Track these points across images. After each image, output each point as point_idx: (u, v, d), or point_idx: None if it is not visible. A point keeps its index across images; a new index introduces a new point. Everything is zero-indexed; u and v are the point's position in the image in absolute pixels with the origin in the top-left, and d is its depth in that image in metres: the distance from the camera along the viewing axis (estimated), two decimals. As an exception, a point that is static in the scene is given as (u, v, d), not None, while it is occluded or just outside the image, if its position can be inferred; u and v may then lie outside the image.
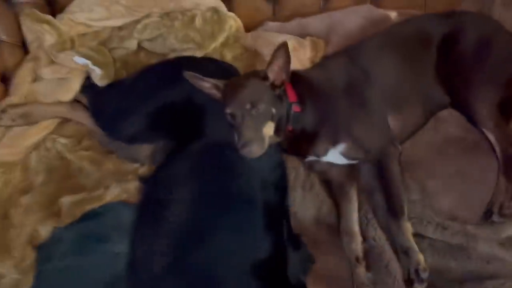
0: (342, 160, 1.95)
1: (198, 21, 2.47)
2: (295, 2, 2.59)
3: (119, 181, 1.97)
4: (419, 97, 2.06)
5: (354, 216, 1.88)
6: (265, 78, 1.84)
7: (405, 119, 2.02)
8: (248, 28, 2.59)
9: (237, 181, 1.70)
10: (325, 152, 1.94)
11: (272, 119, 1.80)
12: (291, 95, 1.91)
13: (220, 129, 1.86)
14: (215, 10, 2.52)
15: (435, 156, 1.93)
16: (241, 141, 1.70)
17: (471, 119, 1.99)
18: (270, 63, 1.83)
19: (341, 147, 1.90)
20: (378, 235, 1.78)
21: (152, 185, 1.79)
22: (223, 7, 2.58)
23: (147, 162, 2.03)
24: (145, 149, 2.02)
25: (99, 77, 2.29)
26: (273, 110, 1.81)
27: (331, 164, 1.99)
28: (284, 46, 1.77)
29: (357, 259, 1.77)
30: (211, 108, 1.93)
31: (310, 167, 2.05)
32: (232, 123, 1.79)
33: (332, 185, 1.99)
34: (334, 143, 1.91)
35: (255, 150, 1.71)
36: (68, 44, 2.47)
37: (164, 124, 2.00)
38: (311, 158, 1.99)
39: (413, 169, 1.89)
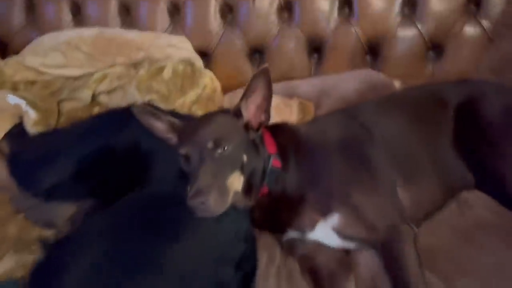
0: (335, 240, 1.40)
1: (166, 72, 2.06)
2: (283, 64, 2.23)
3: (17, 251, 1.40)
4: (434, 169, 1.57)
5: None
6: (237, 115, 1.41)
7: (419, 193, 1.51)
8: (227, 89, 2.18)
9: (172, 246, 1.17)
10: (312, 226, 1.40)
11: (241, 170, 1.34)
12: (270, 146, 1.47)
13: (170, 180, 1.38)
14: (189, 63, 2.14)
15: (463, 245, 1.39)
16: (194, 188, 1.22)
17: (505, 200, 1.50)
18: (245, 95, 1.41)
19: (335, 219, 1.36)
20: None
21: (52, 248, 1.23)
22: (199, 62, 2.21)
23: (64, 227, 1.48)
24: (65, 210, 1.49)
25: (32, 123, 1.86)
26: (244, 158, 1.37)
27: (319, 246, 1.43)
28: (264, 71, 1.35)
29: None
30: (162, 156, 1.49)
31: (289, 248, 1.48)
32: (186, 169, 1.34)
33: (319, 276, 1.40)
34: (325, 213, 1.38)
35: (211, 205, 1.22)
36: (7, 86, 2.08)
37: (95, 175, 1.52)
38: (292, 234, 1.45)
39: (435, 260, 1.34)
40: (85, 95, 2.07)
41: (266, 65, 1.39)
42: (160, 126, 1.51)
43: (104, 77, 2.12)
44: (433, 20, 2.08)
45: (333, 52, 2.18)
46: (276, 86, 2.09)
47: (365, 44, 2.17)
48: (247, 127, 1.43)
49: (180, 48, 2.23)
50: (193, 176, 1.29)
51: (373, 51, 2.19)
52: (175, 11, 2.34)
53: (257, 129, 1.44)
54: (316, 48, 2.25)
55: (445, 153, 1.63)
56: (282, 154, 1.47)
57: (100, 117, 1.83)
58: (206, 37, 2.26)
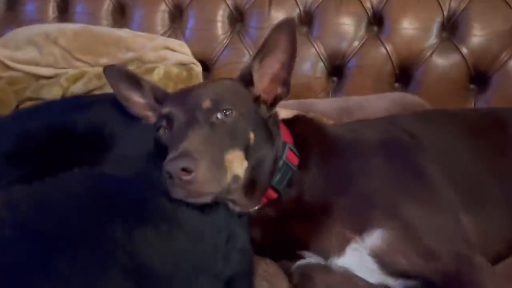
0: (373, 271, 0.95)
1: (157, 73, 1.71)
2: (297, 84, 1.69)
3: None
4: (504, 197, 1.16)
5: None
6: (246, 80, 1.04)
7: (485, 225, 1.07)
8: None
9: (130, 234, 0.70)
10: (341, 248, 0.97)
11: (245, 151, 0.95)
12: (285, 136, 1.08)
13: (132, 163, 0.99)
14: (186, 68, 1.79)
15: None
16: (177, 149, 0.85)
17: None
18: (259, 53, 1.06)
19: (376, 238, 0.94)
20: None
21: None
22: (198, 68, 1.81)
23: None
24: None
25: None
26: (251, 136, 1.01)
27: (348, 278, 0.98)
28: (288, 23, 1.02)
29: None
30: (127, 140, 1.11)
31: (302, 280, 1.01)
32: (164, 139, 0.97)
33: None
34: (362, 228, 0.95)
35: (199, 176, 0.83)
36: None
37: (38, 158, 1.10)
38: (308, 259, 1.01)
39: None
40: (54, 95, 1.70)
41: (290, 17, 1.06)
42: (137, 99, 1.14)
43: (81, 75, 1.76)
44: (476, 45, 1.76)
45: (357, 73, 1.84)
46: (290, 103, 1.79)
47: (396, 66, 1.83)
48: (257, 100, 1.06)
49: (177, 52, 1.92)
50: (176, 140, 0.90)
51: (404, 75, 1.84)
52: (176, 14, 2.03)
53: (271, 106, 1.08)
54: (336, 68, 1.91)
55: None
56: (300, 148, 1.08)
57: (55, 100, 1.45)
58: (208, 45, 1.94)
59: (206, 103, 0.97)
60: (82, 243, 0.64)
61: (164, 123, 1.00)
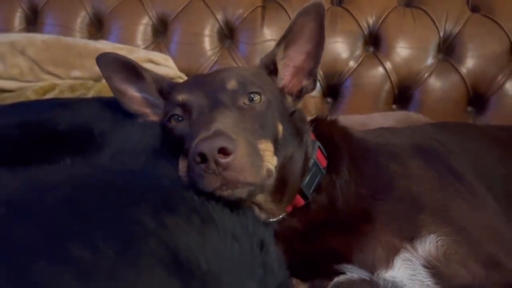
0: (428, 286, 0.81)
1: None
2: None
3: None
4: None
5: None
6: (269, 68, 0.91)
7: None
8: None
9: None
10: (388, 260, 0.81)
11: (273, 143, 0.79)
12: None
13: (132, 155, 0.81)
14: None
15: None
16: (210, 129, 0.69)
17: None
18: (283, 39, 0.94)
19: (430, 245, 0.80)
20: None
21: None
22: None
23: None
24: None
25: None
26: (279, 128, 0.87)
27: None
28: (316, 6, 0.90)
29: None
30: (122, 137, 0.91)
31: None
32: (178, 130, 0.84)
33: None
34: (412, 236, 0.81)
35: (239, 160, 0.69)
36: None
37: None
38: (349, 275, 0.83)
39: None
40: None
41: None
42: (134, 93, 0.97)
43: (51, 87, 1.57)
44: (473, 67, 1.72)
45: (354, 93, 1.75)
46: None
47: (395, 85, 1.76)
48: (282, 91, 0.93)
49: (161, 65, 1.77)
50: (201, 125, 0.73)
51: (403, 94, 1.77)
52: (160, 28, 1.89)
53: (298, 97, 0.95)
54: (332, 87, 1.81)
55: None
56: (327, 149, 0.95)
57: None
58: (195, 61, 1.78)
59: (231, 84, 0.83)
60: (100, 224, 0.46)
61: (178, 111, 0.85)
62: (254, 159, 0.72)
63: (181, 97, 0.84)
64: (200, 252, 0.51)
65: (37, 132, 0.99)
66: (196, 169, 0.69)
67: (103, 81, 1.64)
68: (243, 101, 0.82)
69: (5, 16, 1.91)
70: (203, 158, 0.67)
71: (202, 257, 0.51)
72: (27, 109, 1.10)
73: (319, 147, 0.94)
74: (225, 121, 0.73)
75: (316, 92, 1.79)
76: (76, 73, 1.68)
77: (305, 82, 0.96)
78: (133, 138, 0.97)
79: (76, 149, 0.96)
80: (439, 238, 0.82)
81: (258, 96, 0.84)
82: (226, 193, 0.70)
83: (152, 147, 0.89)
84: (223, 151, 0.67)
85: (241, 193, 0.71)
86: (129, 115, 1.01)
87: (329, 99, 1.83)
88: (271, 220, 0.88)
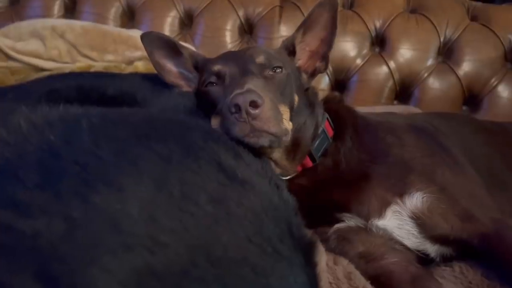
0: (412, 235, 0.96)
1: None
2: None
3: None
4: None
5: None
6: (289, 49, 1.09)
7: (502, 207, 1.13)
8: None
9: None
10: (380, 211, 0.97)
11: (290, 109, 0.97)
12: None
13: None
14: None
15: None
16: (243, 87, 0.86)
17: None
18: (302, 26, 1.12)
19: (415, 200, 0.96)
20: None
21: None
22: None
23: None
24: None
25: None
26: (295, 98, 1.04)
27: (388, 241, 0.98)
28: (331, 1, 1.08)
29: None
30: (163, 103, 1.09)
31: (341, 243, 1.00)
32: (214, 93, 1.00)
33: (396, 282, 0.92)
34: (402, 191, 0.97)
35: (266, 111, 0.85)
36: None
37: None
38: (347, 222, 1.00)
39: None
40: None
41: None
42: (171, 68, 1.14)
43: (87, 68, 1.75)
44: (469, 69, 1.90)
45: (359, 88, 1.93)
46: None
47: (397, 83, 1.93)
48: (299, 69, 1.10)
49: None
50: (234, 86, 0.90)
51: (404, 92, 1.95)
52: (186, 21, 2.07)
53: (312, 75, 1.12)
54: (340, 82, 1.99)
55: None
56: (335, 122, 1.11)
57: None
58: (216, 52, 1.94)
59: (260, 58, 1.01)
60: (171, 137, 0.62)
61: (213, 79, 1.02)
62: (276, 115, 0.89)
63: (216, 67, 1.01)
64: (235, 165, 0.67)
65: (90, 94, 1.16)
66: (230, 119, 0.86)
67: (134, 64, 1.84)
68: (268, 72, 1.00)
69: (45, 4, 2.10)
70: (237, 108, 0.84)
71: (238, 169, 0.67)
72: (81, 76, 1.27)
73: (327, 119, 1.11)
74: (254, 84, 0.90)
75: (325, 86, 1.97)
76: (110, 56, 1.86)
77: (318, 64, 1.14)
78: (171, 102, 1.15)
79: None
80: (424, 195, 0.98)
81: (280, 70, 1.01)
82: (252, 140, 0.86)
83: (189, 108, 1.06)
84: (253, 104, 0.83)
85: (264, 141, 0.87)
86: (166, 86, 1.19)
87: (336, 93, 1.99)
88: (284, 178, 1.06)
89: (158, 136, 0.60)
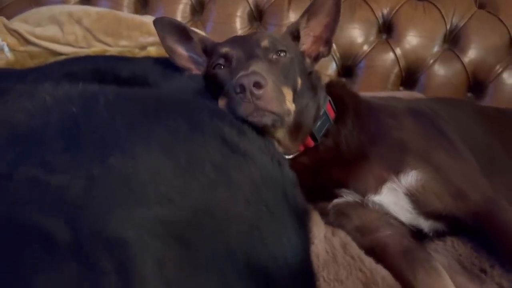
0: (406, 210, 1.02)
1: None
2: None
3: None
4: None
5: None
6: (294, 35, 1.14)
7: (499, 192, 1.18)
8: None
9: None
10: (377, 187, 1.03)
11: (293, 91, 1.02)
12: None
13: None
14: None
15: None
16: (248, 69, 0.92)
17: None
18: (307, 12, 1.17)
19: (411, 178, 1.01)
20: None
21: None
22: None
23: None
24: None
25: (5, 63, 1.56)
26: (298, 81, 1.09)
27: (384, 216, 1.04)
28: None
29: None
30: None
31: (338, 217, 1.06)
32: (221, 75, 1.05)
33: (389, 253, 0.96)
34: (398, 170, 1.02)
35: (268, 92, 0.89)
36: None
37: None
38: (346, 198, 1.05)
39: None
40: (75, 70, 1.77)
41: None
42: (182, 52, 1.20)
43: (102, 53, 1.81)
44: (474, 57, 1.93)
45: (366, 74, 1.97)
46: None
47: (403, 69, 1.97)
48: (303, 54, 1.15)
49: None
50: (240, 68, 0.96)
51: (410, 78, 1.99)
52: (198, 8, 2.12)
53: (315, 60, 1.17)
54: (347, 68, 2.03)
55: None
56: (337, 105, 1.16)
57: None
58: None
59: (265, 42, 1.06)
60: (178, 113, 0.69)
61: (221, 61, 1.08)
62: (278, 96, 0.95)
63: (224, 50, 1.07)
64: (238, 141, 0.73)
65: (105, 76, 1.23)
66: (235, 99, 0.91)
67: (147, 49, 1.90)
68: (273, 56, 1.05)
69: (62, -10, 2.18)
70: (242, 89, 0.89)
71: (241, 144, 0.73)
72: (96, 59, 1.34)
73: (330, 102, 1.16)
74: (259, 66, 0.95)
75: (332, 72, 2.01)
76: (124, 42, 1.93)
77: (322, 49, 1.19)
78: (181, 84, 1.21)
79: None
80: (419, 174, 1.03)
81: (284, 53, 1.06)
82: (256, 119, 0.92)
83: (197, 90, 1.12)
84: (257, 85, 0.89)
85: (267, 120, 0.93)
86: (177, 70, 1.25)
87: (344, 79, 2.05)
88: (287, 157, 1.12)
89: (167, 112, 0.67)
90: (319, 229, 1.03)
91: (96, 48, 1.89)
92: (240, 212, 0.55)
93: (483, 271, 0.94)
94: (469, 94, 1.97)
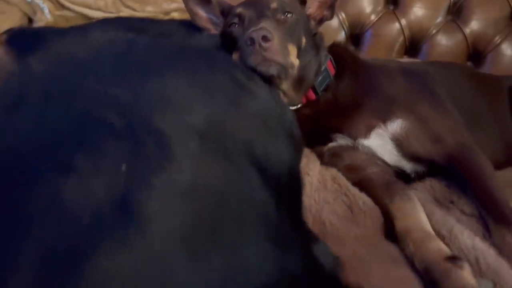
0: (391, 153, 1.19)
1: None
2: None
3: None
4: (496, 127, 1.47)
5: (422, 216, 1.01)
6: (301, 1, 1.30)
7: (479, 144, 1.34)
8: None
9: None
10: (367, 133, 1.20)
11: (298, 47, 1.18)
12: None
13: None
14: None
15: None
16: (257, 25, 1.08)
17: None
18: None
19: (396, 126, 1.18)
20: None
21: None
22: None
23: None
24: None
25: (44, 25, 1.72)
26: (303, 39, 1.22)
27: (371, 157, 1.21)
28: None
29: (451, 258, 0.85)
30: None
31: (332, 158, 1.24)
32: (235, 32, 1.21)
33: (373, 185, 1.14)
34: (385, 118, 1.19)
35: (275, 45, 1.05)
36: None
37: None
38: (339, 141, 1.23)
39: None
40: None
41: None
42: (203, 14, 1.37)
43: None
44: (475, 28, 2.06)
45: (372, 42, 2.10)
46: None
47: (407, 39, 2.10)
48: (308, 17, 1.31)
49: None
50: (251, 25, 1.12)
51: (413, 47, 2.12)
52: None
53: (319, 23, 1.33)
54: (355, 36, 2.16)
55: (505, 118, 1.53)
56: (337, 63, 1.32)
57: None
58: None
59: (274, 4, 1.21)
60: (197, 56, 0.86)
61: (235, 20, 1.24)
62: (284, 49, 1.11)
63: (238, 10, 1.23)
64: (247, 82, 0.90)
65: (137, 33, 1.42)
66: (246, 50, 1.08)
67: (171, 14, 2.07)
68: (280, 16, 1.21)
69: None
70: (252, 41, 1.06)
71: (249, 85, 0.90)
72: (126, 20, 1.52)
73: (331, 60, 1.32)
74: (267, 24, 1.11)
75: (342, 39, 2.14)
76: (149, 8, 2.10)
77: (326, 13, 1.34)
78: (201, 41, 1.38)
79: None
80: (403, 122, 1.20)
81: (290, 14, 1.22)
82: (263, 68, 1.09)
83: (215, 45, 1.29)
84: (265, 38, 1.05)
85: (273, 70, 1.10)
86: (198, 30, 1.41)
87: (351, 46, 2.19)
88: (292, 104, 1.28)
89: (190, 55, 0.85)
90: (314, 165, 1.21)
91: (124, 13, 2.07)
92: (246, 125, 0.72)
93: (452, 202, 1.11)
94: (468, 63, 2.10)
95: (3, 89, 0.69)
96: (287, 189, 0.71)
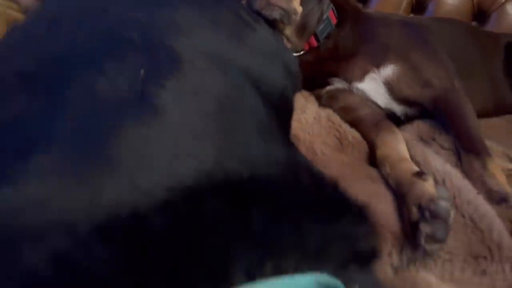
0: (383, 96, 1.31)
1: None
2: None
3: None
4: (487, 79, 1.58)
5: (401, 146, 1.14)
6: None
7: (470, 91, 1.39)
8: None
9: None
10: (361, 77, 1.31)
11: None
12: None
13: None
14: None
15: None
16: None
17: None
18: None
19: (388, 70, 1.29)
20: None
21: None
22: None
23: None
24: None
25: None
26: None
27: (363, 100, 1.33)
28: None
29: (417, 173, 0.98)
30: None
31: (328, 100, 1.35)
32: None
33: (364, 124, 1.27)
34: (379, 63, 1.30)
35: None
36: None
37: None
38: (336, 85, 1.35)
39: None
40: None
41: None
42: None
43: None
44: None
45: (380, 1, 2.16)
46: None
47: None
48: None
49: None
50: None
51: (420, 6, 2.18)
52: None
53: None
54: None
55: (497, 72, 1.62)
56: (339, 13, 1.42)
57: None
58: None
59: None
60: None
61: None
62: None
63: None
64: (251, 21, 1.01)
65: None
66: None
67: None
68: None
69: None
70: None
71: (252, 23, 1.01)
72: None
73: (332, 9, 1.41)
74: None
75: (349, -1, 2.22)
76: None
77: None
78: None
79: None
80: (395, 67, 1.31)
81: None
82: (267, 12, 1.19)
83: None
84: None
85: (276, 14, 1.19)
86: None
87: (360, 4, 2.24)
88: (295, 50, 1.39)
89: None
90: (312, 105, 1.33)
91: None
92: (246, 54, 0.84)
93: (434, 139, 1.23)
94: (473, 22, 2.17)
95: (47, 6, 0.82)
96: (277, 109, 0.84)
